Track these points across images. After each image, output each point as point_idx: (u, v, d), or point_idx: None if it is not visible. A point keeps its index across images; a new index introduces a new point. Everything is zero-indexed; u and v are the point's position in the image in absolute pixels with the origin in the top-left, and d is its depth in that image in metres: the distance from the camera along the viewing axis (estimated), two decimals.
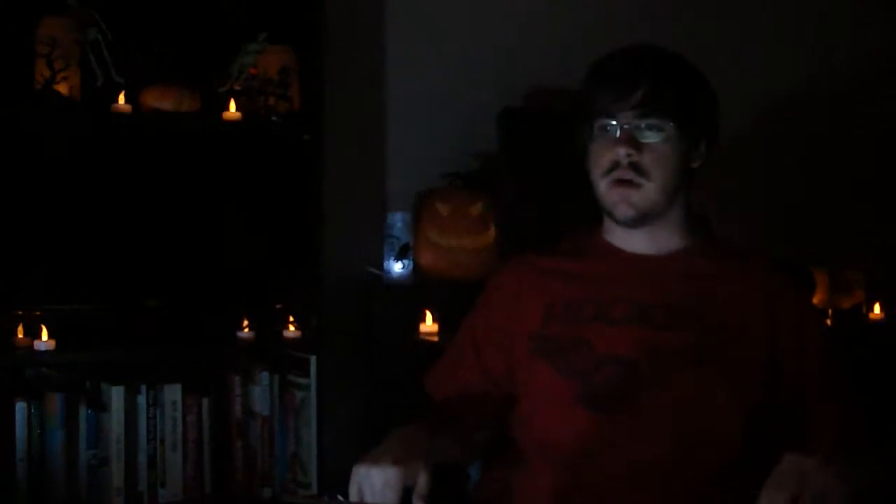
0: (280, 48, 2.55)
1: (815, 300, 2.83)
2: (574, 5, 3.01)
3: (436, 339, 2.60)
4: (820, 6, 3.32)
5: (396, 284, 2.66)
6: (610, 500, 1.58)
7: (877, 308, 3.03)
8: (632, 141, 1.62)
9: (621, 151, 1.62)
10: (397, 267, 2.65)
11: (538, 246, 1.81)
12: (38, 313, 2.39)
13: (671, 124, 1.63)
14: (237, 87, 2.53)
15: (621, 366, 1.61)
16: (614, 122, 1.63)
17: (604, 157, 1.65)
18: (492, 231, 2.69)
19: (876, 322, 3.01)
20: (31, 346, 2.35)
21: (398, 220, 2.67)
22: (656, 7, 3.10)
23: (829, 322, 2.88)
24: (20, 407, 2.31)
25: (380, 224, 2.71)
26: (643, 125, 1.63)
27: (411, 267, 2.67)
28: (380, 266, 2.69)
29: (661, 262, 1.70)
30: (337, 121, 2.61)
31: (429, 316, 2.63)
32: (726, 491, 1.59)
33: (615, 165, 1.63)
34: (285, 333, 2.57)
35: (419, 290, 2.68)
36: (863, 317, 3.03)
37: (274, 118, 2.52)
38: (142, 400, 2.40)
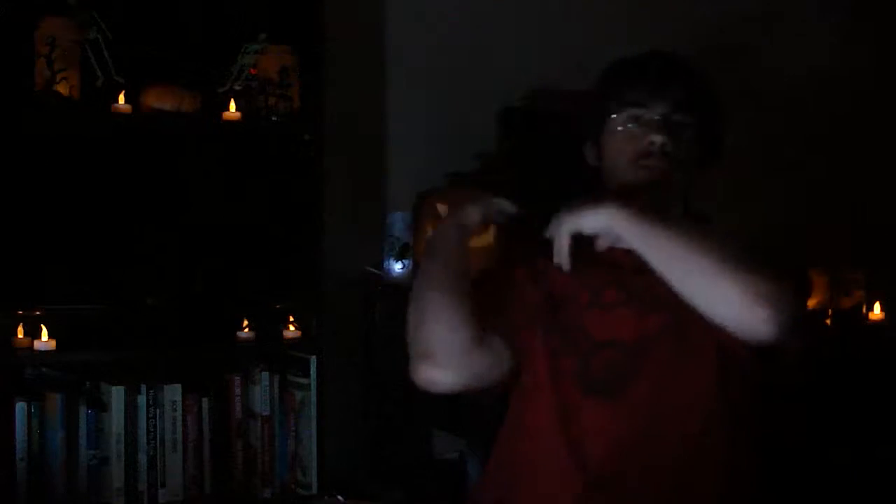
0: (280, 48, 2.55)
1: (815, 301, 2.83)
2: (574, 5, 3.01)
3: None
4: (821, 5, 3.33)
5: (396, 284, 2.65)
6: (610, 479, 1.60)
7: (877, 308, 3.03)
8: (666, 130, 1.65)
9: (657, 139, 1.65)
10: (397, 267, 2.65)
11: (530, 237, 1.82)
12: (38, 313, 2.39)
13: (695, 122, 1.66)
14: (237, 87, 2.53)
15: (616, 349, 1.63)
16: (649, 113, 1.65)
17: (633, 145, 1.68)
18: (492, 231, 2.68)
19: (876, 322, 3.02)
20: (31, 346, 2.34)
21: (398, 220, 2.67)
22: (655, 6, 3.10)
23: (828, 322, 2.89)
24: (20, 407, 2.31)
25: (380, 224, 2.71)
26: (676, 118, 1.65)
27: (411, 267, 2.66)
28: (380, 266, 2.68)
29: None
30: (337, 121, 2.61)
31: None
32: (708, 457, 1.61)
33: (646, 154, 1.65)
34: (285, 333, 2.57)
35: None
36: (863, 317, 3.03)
37: (274, 118, 2.52)
38: (142, 400, 2.40)
